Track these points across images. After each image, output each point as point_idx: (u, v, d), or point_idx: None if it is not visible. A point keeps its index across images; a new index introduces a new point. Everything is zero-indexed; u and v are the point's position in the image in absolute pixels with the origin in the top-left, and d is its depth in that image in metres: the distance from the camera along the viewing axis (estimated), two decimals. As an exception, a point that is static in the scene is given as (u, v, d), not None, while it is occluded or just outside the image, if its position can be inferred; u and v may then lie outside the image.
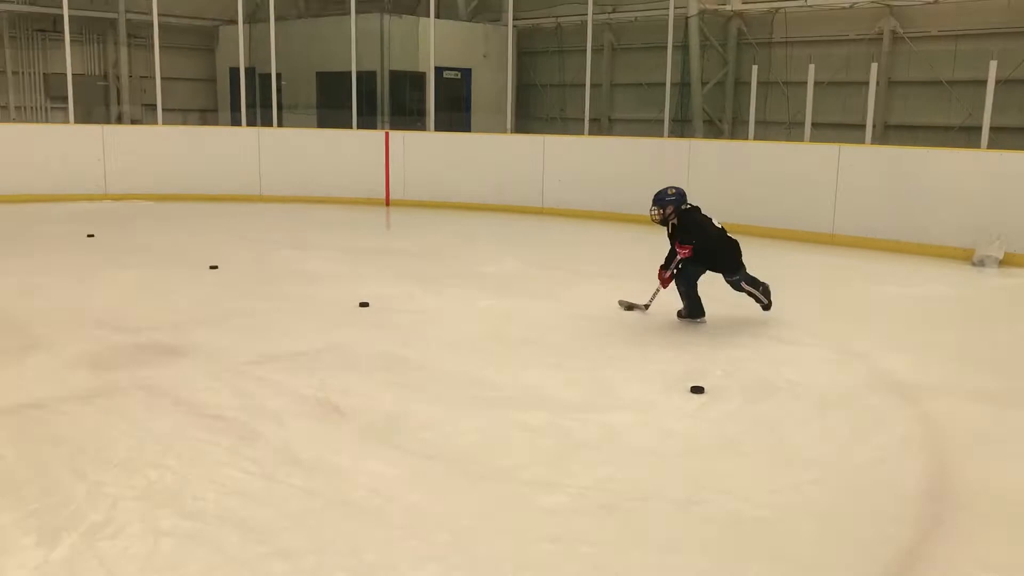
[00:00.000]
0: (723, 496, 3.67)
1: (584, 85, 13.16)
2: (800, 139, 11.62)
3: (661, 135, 13.02)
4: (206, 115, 18.27)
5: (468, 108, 17.16)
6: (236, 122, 14.56)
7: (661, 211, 6.32)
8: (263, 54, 14.29)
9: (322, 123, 16.13)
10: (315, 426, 4.35)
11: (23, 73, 16.79)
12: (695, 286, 6.42)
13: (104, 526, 3.25)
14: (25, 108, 16.78)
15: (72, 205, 12.23)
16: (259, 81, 15.17)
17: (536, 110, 17.96)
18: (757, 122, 12.03)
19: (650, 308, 6.61)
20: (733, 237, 6.44)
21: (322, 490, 3.63)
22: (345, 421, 4.44)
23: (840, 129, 12.77)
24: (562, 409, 4.67)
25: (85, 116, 14.59)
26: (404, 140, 13.52)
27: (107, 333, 5.96)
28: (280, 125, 14.26)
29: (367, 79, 15.09)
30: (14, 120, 16.13)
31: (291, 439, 4.15)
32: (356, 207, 13.13)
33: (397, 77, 16.48)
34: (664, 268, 6.34)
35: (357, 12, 13.68)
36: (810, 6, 14.04)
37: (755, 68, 11.90)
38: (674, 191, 6.37)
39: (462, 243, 10.46)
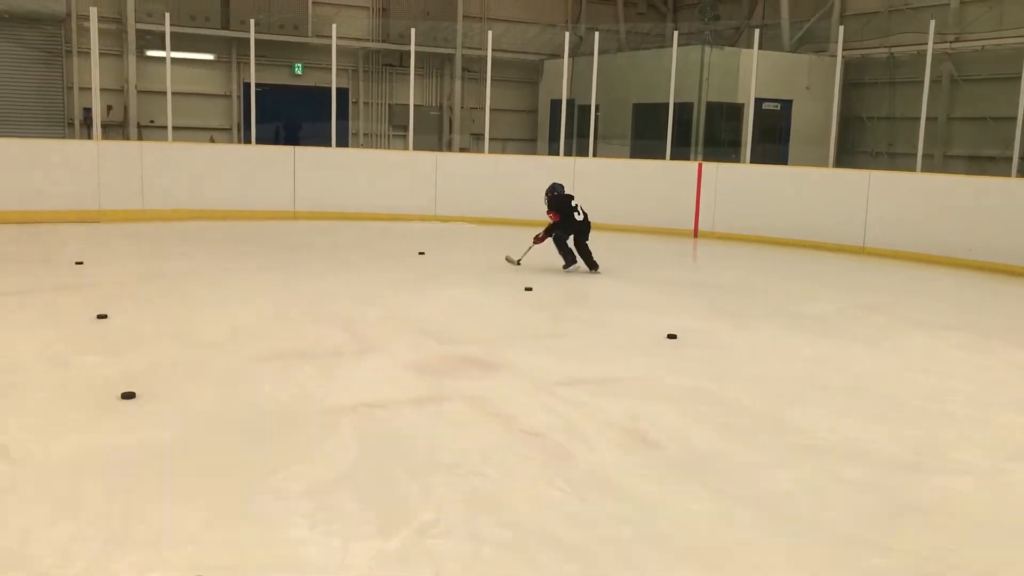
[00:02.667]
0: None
1: (918, 118, 12.27)
2: None
3: (1008, 174, 11.79)
4: (526, 144, 19.24)
5: (786, 140, 16.65)
6: (554, 151, 15.17)
7: (547, 196, 9.85)
8: (583, 86, 14.79)
9: (635, 154, 16.38)
10: (625, 454, 4.38)
11: (372, 104, 18.68)
12: (564, 244, 9.71)
13: (434, 525, 3.49)
14: (372, 135, 18.64)
15: (407, 225, 13.36)
16: (578, 112, 15.72)
17: (860, 144, 17.03)
18: None
19: (521, 264, 9.75)
20: (586, 221, 9.83)
21: (632, 518, 3.65)
22: (654, 452, 4.43)
23: None
24: (887, 466, 4.34)
25: (421, 143, 15.90)
26: (717, 171, 13.36)
27: (431, 343, 6.42)
28: (595, 155, 14.64)
29: (683, 110, 15.12)
30: (362, 145, 17.96)
31: (601, 464, 4.21)
32: (663, 237, 13.16)
33: (714, 108, 16.37)
34: (540, 236, 9.72)
35: (679, 44, 13.76)
36: None
37: None
38: (555, 186, 10.01)
39: (775, 279, 10.12)
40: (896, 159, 15.56)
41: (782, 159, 16.12)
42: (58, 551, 3.17)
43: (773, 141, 16.41)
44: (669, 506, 3.79)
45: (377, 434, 4.52)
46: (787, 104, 16.62)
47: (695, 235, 13.41)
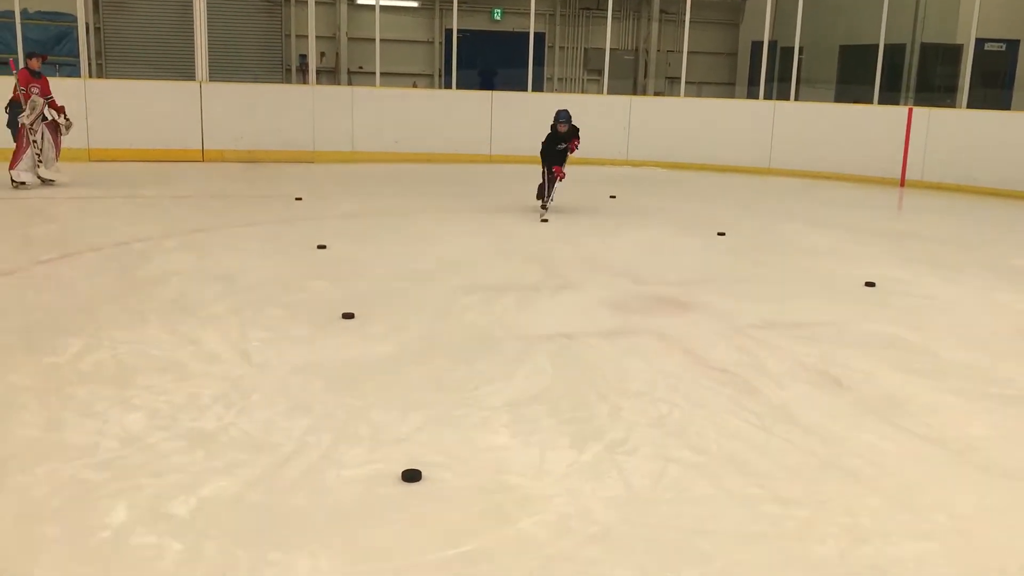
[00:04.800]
0: None
1: None
2: None
3: None
4: (724, 88, 18.83)
5: (1010, 85, 15.43)
6: (753, 95, 14.82)
7: (567, 125, 9.31)
8: (787, 28, 14.30)
9: (840, 98, 15.71)
10: (813, 392, 4.44)
11: (568, 48, 18.83)
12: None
13: (622, 443, 3.73)
14: (567, 79, 18.82)
15: (599, 169, 13.52)
16: (780, 55, 15.22)
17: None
18: None
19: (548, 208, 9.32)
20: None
21: (818, 451, 3.74)
22: (844, 392, 4.46)
23: None
24: (1096, 420, 4.18)
25: (615, 88, 15.92)
26: (929, 117, 12.65)
27: (625, 283, 6.61)
28: (797, 99, 14.20)
29: (894, 52, 14.34)
30: (557, 90, 18.18)
31: (790, 400, 4.30)
32: (868, 186, 12.66)
33: (928, 50, 15.40)
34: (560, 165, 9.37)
35: (893, -19, 13.03)
36: None
37: None
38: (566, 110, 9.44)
39: (987, 230, 9.58)
40: None
41: (1004, 105, 14.98)
42: (295, 440, 3.65)
43: (995, 86, 15.27)
44: (856, 442, 3.84)
45: (571, 360, 4.79)
46: (1013, 44, 15.36)
47: (902, 184, 12.82)
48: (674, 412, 4.10)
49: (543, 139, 9.37)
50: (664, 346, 5.09)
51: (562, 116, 9.23)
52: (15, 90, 9.79)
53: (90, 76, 13.33)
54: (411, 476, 3.34)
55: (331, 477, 3.35)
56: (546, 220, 9.04)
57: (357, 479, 3.34)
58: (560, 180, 9.22)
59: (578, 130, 9.32)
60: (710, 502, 3.28)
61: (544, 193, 9.31)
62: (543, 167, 9.33)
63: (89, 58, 13.61)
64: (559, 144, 9.26)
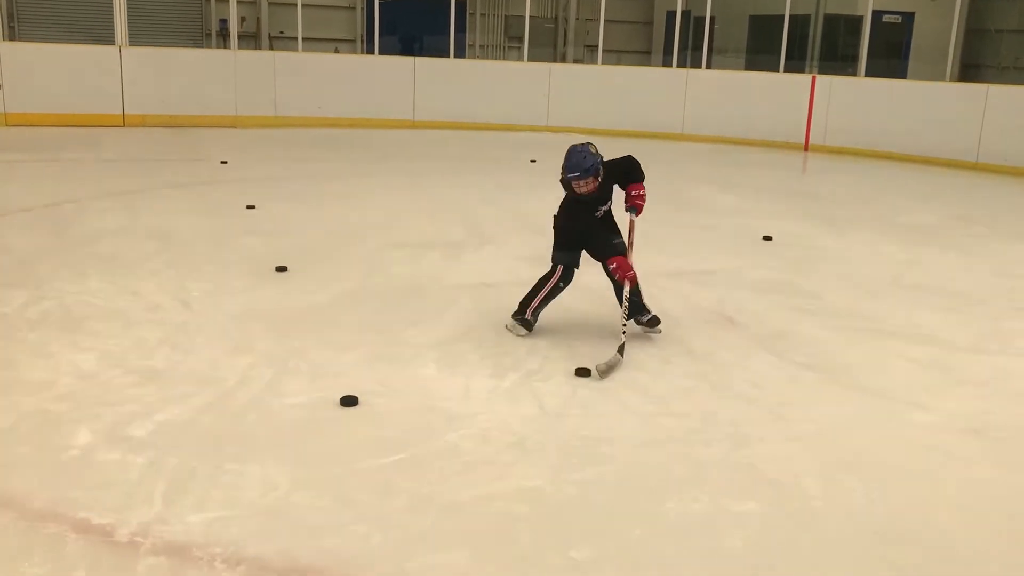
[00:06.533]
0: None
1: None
2: None
3: None
4: (641, 56, 19.34)
5: (906, 55, 16.30)
6: (668, 64, 15.36)
7: (595, 179, 4.50)
8: (700, -2, 14.86)
9: (750, 66, 16.37)
10: (709, 328, 4.96)
11: (489, 15, 19.08)
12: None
13: (537, 372, 4.18)
14: (488, 46, 19.09)
15: (518, 135, 13.92)
16: (693, 24, 15.77)
17: (985, 58, 16.52)
18: None
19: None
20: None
21: (710, 376, 4.25)
22: (736, 329, 4.99)
23: None
24: (949, 348, 4.79)
25: (535, 55, 16.28)
26: (831, 85, 13.37)
27: (542, 240, 6.97)
28: (709, 67, 14.78)
29: (800, 23, 15.04)
30: (478, 57, 18.45)
31: (687, 336, 4.80)
32: (774, 150, 13.34)
33: (831, 21, 16.15)
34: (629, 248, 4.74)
35: (797, -45, 13.66)
36: None
37: None
38: (583, 148, 4.51)
39: (879, 192, 10.29)
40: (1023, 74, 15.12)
41: (901, 74, 15.84)
42: (239, 375, 3.99)
43: (892, 56, 16.10)
44: (743, 368, 4.36)
45: (492, 306, 5.20)
46: (909, 17, 16.22)
47: (806, 148, 13.53)
48: (583, 347, 4.55)
49: (554, 212, 4.88)
50: (577, 294, 5.52)
51: (573, 168, 4.48)
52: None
53: (4, 39, 13.12)
54: (348, 401, 3.72)
55: (275, 404, 3.72)
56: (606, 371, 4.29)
57: (299, 405, 3.71)
58: (630, 283, 4.55)
59: (633, 171, 4.83)
60: (613, 417, 3.75)
61: (542, 302, 4.76)
62: (561, 261, 4.81)
63: (2, 21, 13.38)
64: (597, 208, 4.70)
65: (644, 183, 4.80)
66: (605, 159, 4.58)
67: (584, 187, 4.48)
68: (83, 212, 7.21)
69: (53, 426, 3.42)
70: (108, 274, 5.47)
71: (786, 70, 13.99)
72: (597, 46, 15.13)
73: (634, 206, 4.74)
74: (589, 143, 4.52)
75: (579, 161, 4.42)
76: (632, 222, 4.78)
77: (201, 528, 2.76)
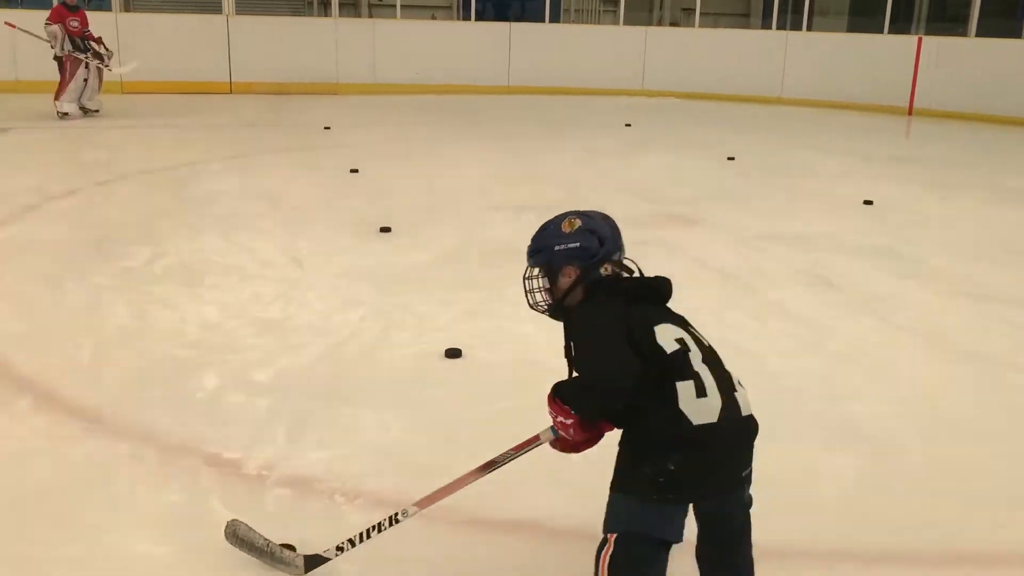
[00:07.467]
0: None
1: None
2: None
3: None
4: (739, 19, 18.95)
5: (1022, 15, 15.56)
6: (767, 26, 15.06)
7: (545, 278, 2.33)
8: (801, -43, 14.47)
9: (852, 28, 15.91)
10: (806, 291, 4.97)
11: (584, -21, 18.96)
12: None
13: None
14: (583, 10, 18.99)
15: (616, 98, 13.88)
16: (795, -15, 15.39)
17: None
18: None
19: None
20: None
21: (806, 337, 4.28)
22: (834, 292, 4.98)
23: None
24: (1057, 314, 4.70)
25: (631, 19, 16.14)
26: (938, 46, 12.91)
27: (638, 202, 7.10)
28: (810, 30, 14.42)
29: (907, -19, 14.52)
30: (573, 21, 18.38)
31: (784, 298, 4.82)
32: (876, 115, 13.00)
33: (942, -22, 15.54)
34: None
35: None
36: None
37: None
38: (579, 223, 2.26)
39: (987, 156, 9.97)
40: None
41: (1015, 35, 15.14)
42: (350, 327, 4.21)
43: (1007, 16, 15.40)
44: (841, 330, 4.37)
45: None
46: (1028, -28, 15.48)
47: (910, 112, 13.14)
48: (679, 308, 4.60)
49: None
50: (674, 255, 5.60)
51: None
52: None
53: (120, 10, 13.71)
54: (453, 353, 3.90)
55: (385, 354, 3.92)
56: None
57: (407, 355, 3.91)
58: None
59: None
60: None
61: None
62: None
63: (118, -8, 13.98)
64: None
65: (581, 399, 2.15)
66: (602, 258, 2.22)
67: (531, 291, 2.34)
68: (198, 175, 7.58)
69: (183, 371, 3.69)
70: (223, 233, 5.77)
71: (891, 31, 13.56)
72: (694, 9, 14.91)
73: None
74: (580, 214, 2.29)
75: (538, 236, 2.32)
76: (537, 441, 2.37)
77: (321, 464, 2.97)
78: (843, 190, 7.64)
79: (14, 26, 10.72)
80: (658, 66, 14.44)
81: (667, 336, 2.06)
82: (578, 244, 2.21)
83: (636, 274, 2.27)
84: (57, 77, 10.23)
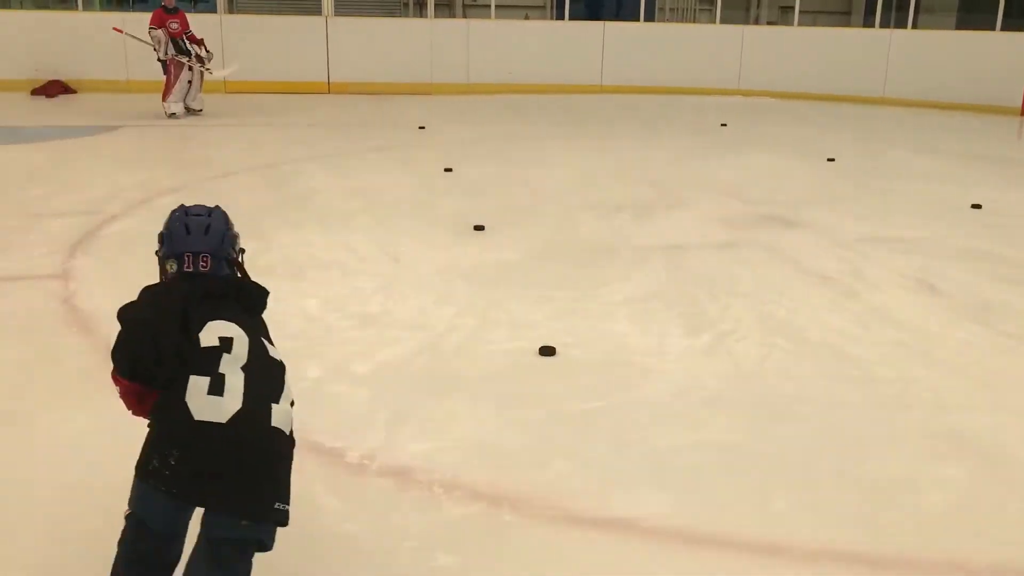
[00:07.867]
0: None
1: None
2: None
3: None
4: (839, 17, 18.49)
5: None
6: (869, 24, 14.64)
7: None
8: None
9: (961, 25, 15.35)
10: (909, 296, 4.82)
11: (680, -22, 18.77)
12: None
13: (731, 333, 4.22)
14: (678, 9, 18.80)
15: (708, 98, 13.70)
16: (899, -19, 14.93)
17: None
18: None
19: None
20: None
21: (910, 344, 4.15)
22: (938, 297, 4.82)
23: None
24: None
25: (727, 18, 15.90)
26: (1054, 44, 12.36)
27: (735, 203, 7.00)
28: (915, 27, 13.97)
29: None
30: (668, 20, 18.22)
31: (887, 303, 4.69)
32: (985, 115, 12.51)
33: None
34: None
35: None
36: None
37: None
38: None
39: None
40: None
41: None
42: (446, 323, 4.27)
43: None
44: (946, 337, 4.24)
45: (683, 267, 5.27)
46: None
47: (1023, 113, 12.60)
48: (779, 311, 4.55)
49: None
50: (770, 257, 5.51)
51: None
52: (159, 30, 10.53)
53: (225, 12, 14.17)
54: (547, 351, 3.92)
55: (480, 350, 3.97)
56: None
57: (502, 352, 3.95)
58: None
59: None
60: (810, 379, 3.76)
61: None
62: None
63: (228, -6, 14.45)
64: None
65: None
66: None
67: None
68: (298, 172, 7.78)
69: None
70: (323, 229, 5.92)
71: (1003, 28, 13.03)
72: (793, 7, 14.60)
73: None
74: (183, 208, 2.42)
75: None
76: None
77: (421, 456, 3.03)
78: (949, 193, 7.39)
79: (121, 31, 11.18)
80: (755, 66, 14.18)
81: (213, 333, 2.08)
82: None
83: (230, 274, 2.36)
84: (163, 78, 10.64)
